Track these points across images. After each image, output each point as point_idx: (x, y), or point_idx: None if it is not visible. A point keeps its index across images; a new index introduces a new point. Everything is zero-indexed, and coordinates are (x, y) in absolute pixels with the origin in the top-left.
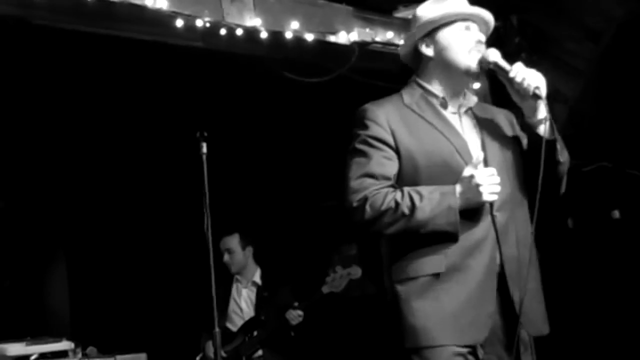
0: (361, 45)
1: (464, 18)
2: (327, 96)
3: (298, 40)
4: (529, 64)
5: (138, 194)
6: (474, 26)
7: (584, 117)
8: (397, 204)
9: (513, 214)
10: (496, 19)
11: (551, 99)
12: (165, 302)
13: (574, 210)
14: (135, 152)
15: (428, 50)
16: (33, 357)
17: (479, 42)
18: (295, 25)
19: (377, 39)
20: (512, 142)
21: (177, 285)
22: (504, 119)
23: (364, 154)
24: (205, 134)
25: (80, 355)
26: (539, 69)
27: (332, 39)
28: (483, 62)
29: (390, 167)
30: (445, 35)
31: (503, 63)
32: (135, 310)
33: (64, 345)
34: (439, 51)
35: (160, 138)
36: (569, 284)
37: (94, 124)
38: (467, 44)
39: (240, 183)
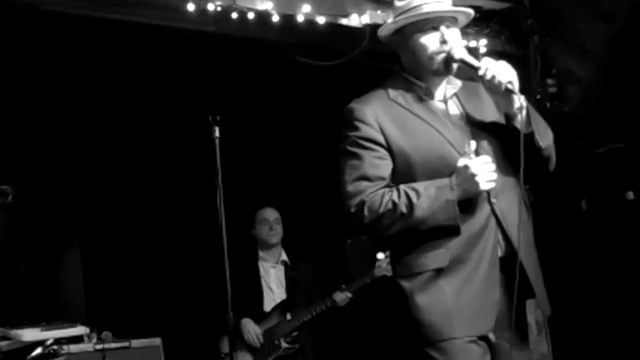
0: (373, 28)
1: (431, 17)
2: (339, 79)
3: (310, 23)
4: (542, 46)
5: (152, 179)
6: (443, 25)
7: (597, 99)
8: (394, 204)
9: (510, 198)
10: (509, 0)
11: (564, 80)
12: (180, 286)
13: (588, 191)
14: (147, 137)
15: (399, 48)
16: (48, 342)
17: (444, 42)
18: (306, 8)
19: (389, 21)
20: (499, 124)
21: (191, 269)
22: (489, 99)
23: (356, 156)
24: (218, 118)
25: (95, 340)
26: (553, 51)
27: (343, 21)
28: (450, 60)
29: (384, 167)
30: (411, 37)
31: (470, 60)
32: (150, 294)
33: (79, 330)
34: (407, 52)
35: (173, 123)
36: (583, 266)
37: (106, 109)
38: (430, 48)
39: (254, 167)
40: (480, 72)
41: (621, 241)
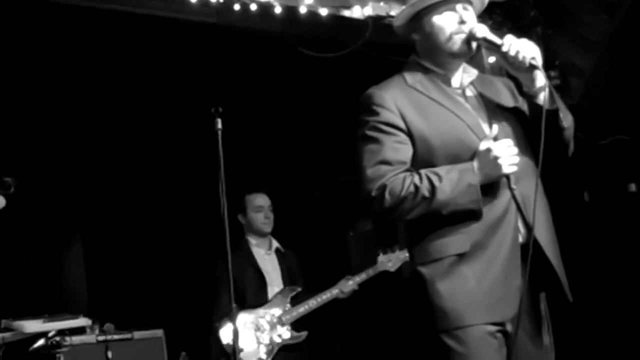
0: (375, 20)
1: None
2: (342, 71)
3: (312, 14)
4: (545, 37)
5: (154, 171)
6: (459, 5)
7: (600, 91)
8: (416, 187)
9: (530, 184)
10: None
11: (567, 72)
12: (182, 278)
13: (590, 183)
14: (150, 128)
15: (415, 35)
16: (51, 334)
17: (462, 22)
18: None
19: (392, 13)
20: (516, 112)
21: (193, 261)
22: (505, 88)
23: (376, 140)
24: (220, 110)
25: (97, 331)
26: (555, 43)
27: (346, 13)
28: (472, 39)
29: (405, 151)
30: (428, 20)
31: (493, 37)
32: (152, 286)
33: (82, 321)
34: (424, 36)
35: (176, 114)
36: (585, 258)
37: (109, 101)
38: (448, 29)
39: (256, 159)
40: (504, 49)
41: (623, 233)
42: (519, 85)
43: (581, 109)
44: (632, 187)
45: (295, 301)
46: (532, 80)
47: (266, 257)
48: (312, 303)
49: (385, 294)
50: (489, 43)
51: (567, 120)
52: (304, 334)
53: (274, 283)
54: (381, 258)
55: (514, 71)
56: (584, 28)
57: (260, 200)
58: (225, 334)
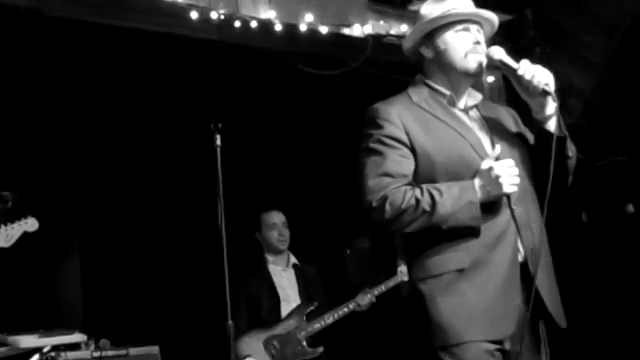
0: (375, 38)
1: (463, 19)
2: (342, 88)
3: (312, 32)
4: (544, 57)
5: (152, 187)
6: (474, 27)
7: (598, 111)
8: (417, 201)
9: (528, 208)
10: (511, 12)
11: (566, 92)
12: (178, 294)
13: (588, 204)
14: (149, 144)
15: (427, 52)
16: (46, 349)
17: (477, 43)
18: (309, 17)
19: (392, 31)
20: (518, 139)
21: (190, 277)
22: (508, 116)
23: (379, 153)
24: (220, 126)
25: (92, 347)
26: (555, 63)
27: (346, 31)
28: (488, 61)
29: (407, 165)
30: (442, 38)
31: (509, 60)
32: (148, 303)
33: (77, 337)
34: (437, 53)
35: (175, 130)
36: (582, 279)
37: (108, 116)
38: (464, 47)
39: (255, 176)
40: (520, 72)
41: (621, 254)
42: (521, 115)
43: (580, 129)
44: (630, 207)
45: (312, 317)
46: (543, 106)
47: (283, 274)
48: (328, 318)
49: (383, 311)
50: (506, 66)
51: (571, 149)
52: (319, 349)
53: (290, 299)
54: (402, 269)
55: (525, 95)
56: (583, 48)
57: (275, 218)
58: (239, 349)
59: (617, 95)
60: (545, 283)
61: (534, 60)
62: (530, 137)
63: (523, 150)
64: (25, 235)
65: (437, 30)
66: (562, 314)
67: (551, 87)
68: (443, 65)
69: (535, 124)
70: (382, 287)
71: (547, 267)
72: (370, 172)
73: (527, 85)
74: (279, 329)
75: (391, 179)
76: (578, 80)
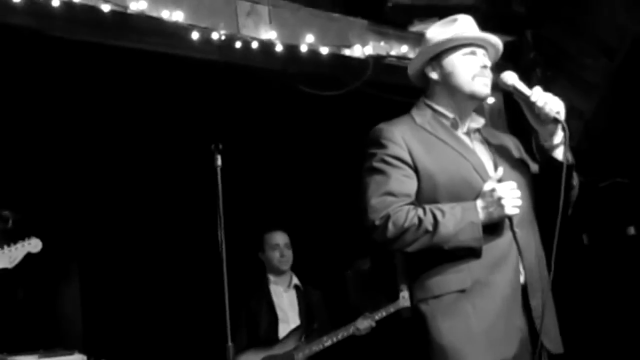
0: (376, 59)
1: (470, 43)
2: (342, 110)
3: (313, 53)
4: (544, 79)
5: (153, 207)
6: (480, 51)
7: (599, 133)
8: (420, 220)
9: (529, 233)
10: (511, 33)
11: (566, 114)
12: (178, 314)
13: (589, 226)
14: (150, 164)
15: (434, 74)
16: None
17: (484, 67)
18: (310, 38)
19: (392, 52)
20: (521, 165)
21: (190, 298)
22: (511, 143)
23: (382, 172)
24: (220, 147)
25: None
26: (555, 84)
27: (347, 52)
28: (501, 86)
29: (410, 184)
30: (450, 60)
31: (522, 87)
32: (148, 322)
33: (76, 358)
34: (444, 76)
35: (176, 150)
36: (584, 301)
37: (109, 136)
38: (471, 70)
39: (255, 196)
40: (533, 99)
41: (623, 276)
42: (530, 140)
43: (580, 151)
44: (631, 230)
45: (311, 338)
46: (552, 135)
47: (284, 294)
48: (327, 341)
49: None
50: (518, 92)
51: (575, 180)
52: None
53: (289, 320)
54: (404, 294)
55: (535, 122)
56: (583, 70)
57: (277, 239)
58: None
59: (617, 116)
60: (547, 309)
61: (534, 82)
62: (532, 164)
63: (524, 176)
64: (26, 254)
65: (444, 53)
66: (559, 339)
67: (562, 116)
68: (449, 87)
69: (542, 151)
70: (383, 312)
71: (546, 291)
72: (373, 191)
73: (538, 113)
74: (277, 349)
75: (394, 198)
76: (578, 101)
